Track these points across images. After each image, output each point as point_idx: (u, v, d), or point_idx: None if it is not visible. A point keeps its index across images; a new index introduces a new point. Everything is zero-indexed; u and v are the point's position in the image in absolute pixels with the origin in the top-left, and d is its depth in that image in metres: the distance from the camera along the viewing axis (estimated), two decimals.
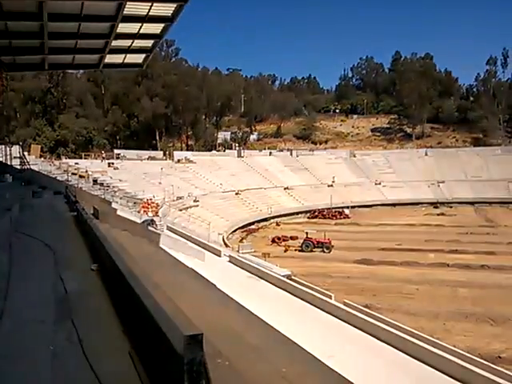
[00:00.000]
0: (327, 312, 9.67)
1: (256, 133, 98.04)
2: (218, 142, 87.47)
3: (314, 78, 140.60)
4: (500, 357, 14.18)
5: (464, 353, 8.26)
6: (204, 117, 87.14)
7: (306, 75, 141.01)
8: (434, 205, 61.59)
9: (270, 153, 74.99)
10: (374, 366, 6.89)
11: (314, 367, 3.03)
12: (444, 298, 20.59)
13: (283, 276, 13.49)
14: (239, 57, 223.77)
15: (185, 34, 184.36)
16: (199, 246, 16.59)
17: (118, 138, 79.36)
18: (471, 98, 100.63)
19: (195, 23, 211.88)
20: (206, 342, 1.71)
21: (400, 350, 7.52)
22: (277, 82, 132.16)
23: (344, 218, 52.06)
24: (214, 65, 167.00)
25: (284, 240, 37.03)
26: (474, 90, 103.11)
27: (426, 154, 77.17)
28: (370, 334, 8.21)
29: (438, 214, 53.49)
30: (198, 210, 44.09)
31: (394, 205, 62.48)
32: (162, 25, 16.78)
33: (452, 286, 22.59)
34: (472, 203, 62.28)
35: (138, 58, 21.02)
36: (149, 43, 19.04)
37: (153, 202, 36.31)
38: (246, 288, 11.00)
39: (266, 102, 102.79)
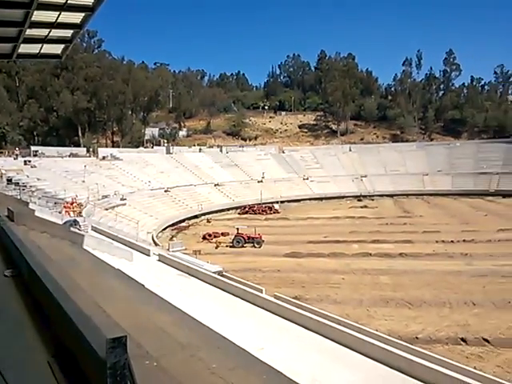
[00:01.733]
0: (258, 305, 9.83)
1: (185, 129, 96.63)
2: (146, 138, 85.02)
3: (243, 74, 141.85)
4: (417, 337, 15.27)
5: (385, 336, 8.82)
6: (130, 112, 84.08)
7: (235, 71, 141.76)
8: (358, 198, 64.96)
9: (200, 149, 74.37)
10: (303, 355, 7.12)
11: (244, 361, 3.07)
12: (367, 286, 21.77)
13: (214, 272, 13.48)
14: (167, 51, 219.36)
15: (109, 25, 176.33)
16: (127, 245, 16.07)
17: (35, 133, 74.11)
18: (389, 97, 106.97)
19: (120, 15, 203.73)
20: (132, 344, 1.66)
21: (328, 338, 7.85)
22: (206, 78, 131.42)
23: (274, 212, 53.06)
24: (139, 59, 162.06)
25: (215, 236, 36.95)
26: (392, 89, 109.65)
27: (350, 150, 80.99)
28: (300, 325, 8.48)
29: (361, 207, 56.33)
30: (126, 208, 42.56)
31: (321, 199, 64.94)
32: (83, 14, 15.83)
33: (374, 274, 23.95)
34: (391, 195, 66.65)
35: (57, 49, 19.66)
36: (68, 33, 17.89)
37: (76, 202, 34.47)
38: (177, 286, 10.86)
39: (194, 98, 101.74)
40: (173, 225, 44.49)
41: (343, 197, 65.90)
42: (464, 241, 31.92)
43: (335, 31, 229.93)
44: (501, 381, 7.08)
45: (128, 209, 42.67)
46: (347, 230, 38.36)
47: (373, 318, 17.38)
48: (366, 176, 72.16)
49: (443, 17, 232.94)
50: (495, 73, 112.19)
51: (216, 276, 12.46)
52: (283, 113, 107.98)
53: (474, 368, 11.97)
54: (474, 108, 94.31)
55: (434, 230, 36.57)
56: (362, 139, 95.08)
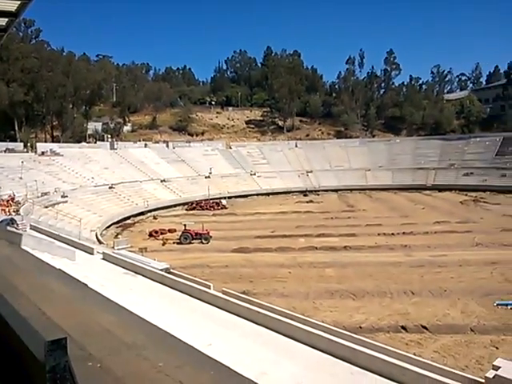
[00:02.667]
0: (206, 302, 9.81)
1: (130, 124, 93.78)
2: (88, 133, 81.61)
3: (190, 69, 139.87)
4: (361, 327, 15.92)
5: (330, 326, 9.11)
6: (71, 106, 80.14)
7: (181, 66, 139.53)
8: (304, 193, 66.40)
9: (146, 145, 72.54)
10: (252, 349, 7.21)
11: (191, 358, 3.07)
12: (313, 279, 22.35)
13: (161, 270, 13.27)
14: (110, 43, 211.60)
15: (48, 14, 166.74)
16: (69, 244, 15.43)
17: None
18: (334, 95, 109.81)
19: (59, 3, 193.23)
20: (74, 346, 1.61)
21: (275, 331, 7.99)
22: (151, 72, 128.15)
23: (221, 208, 52.99)
24: (81, 50, 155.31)
25: (162, 233, 36.32)
26: (336, 87, 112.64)
27: (296, 146, 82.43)
28: (248, 319, 8.56)
29: (307, 202, 57.57)
30: (67, 206, 40.71)
31: (268, 194, 65.68)
32: (18, 2, 14.92)
33: (320, 267, 24.62)
34: (336, 190, 68.72)
35: None
36: (2, 22, 16.80)
37: (12, 200, 32.54)
38: (122, 285, 10.60)
39: (139, 92, 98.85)
40: (118, 222, 43.17)
41: (290, 192, 67.11)
42: (404, 233, 33.56)
43: (281, 28, 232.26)
44: (438, 365, 7.53)
45: (70, 206, 40.86)
46: (294, 224, 39.11)
47: (318, 309, 17.88)
48: (311, 171, 73.83)
49: (384, 17, 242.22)
50: (432, 73, 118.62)
51: (163, 273, 12.28)
52: (230, 108, 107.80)
53: (414, 354, 12.65)
54: (413, 106, 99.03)
55: (376, 224, 38.15)
56: (307, 135, 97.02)
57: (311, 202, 57.75)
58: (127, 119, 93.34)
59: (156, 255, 23.06)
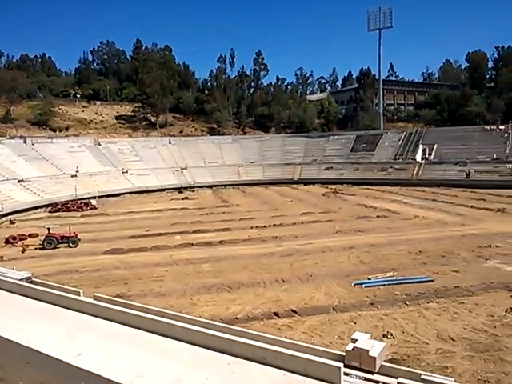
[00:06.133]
0: (76, 310, 9.19)
1: None
2: None
3: (50, 57, 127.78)
4: (237, 318, 16.48)
5: (206, 320, 9.27)
6: None
7: (40, 54, 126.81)
8: (179, 190, 65.92)
9: None
10: (126, 353, 6.99)
11: (57, 371, 2.90)
12: (190, 275, 22.40)
13: (21, 280, 11.99)
14: None
15: None
16: None
17: None
18: (206, 92, 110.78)
19: None
20: None
21: (152, 331, 7.85)
22: (3, 59, 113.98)
23: (91, 208, 49.78)
24: None
25: (21, 239, 32.70)
26: (209, 84, 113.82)
27: (170, 143, 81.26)
28: (122, 323, 8.25)
29: (182, 199, 57.26)
30: None
31: (141, 192, 63.76)
32: None
33: (196, 263, 24.78)
34: (211, 186, 69.80)
35: None
36: None
37: None
38: None
39: None
40: None
41: (164, 189, 66.06)
42: (274, 225, 35.51)
43: (151, 22, 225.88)
44: (305, 344, 8.20)
45: None
46: (169, 222, 38.63)
47: (196, 305, 18.02)
48: (186, 168, 73.60)
49: (252, 19, 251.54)
50: (296, 75, 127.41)
51: (24, 283, 11.12)
52: (98, 102, 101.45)
53: (285, 337, 13.60)
54: (280, 105, 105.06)
55: (249, 217, 39.71)
56: (181, 132, 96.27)
57: (186, 198, 57.60)
58: None
59: (15, 264, 20.71)
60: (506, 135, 68.93)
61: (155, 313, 8.77)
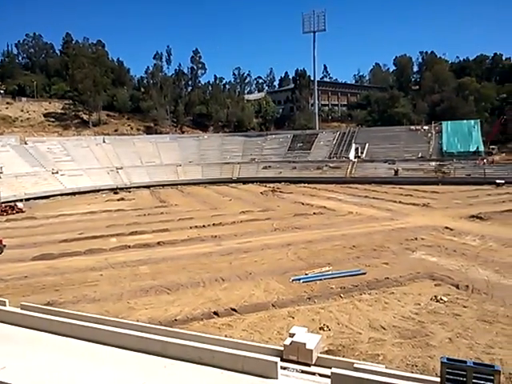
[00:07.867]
0: (0, 321, 8.65)
1: None
2: None
3: None
4: (176, 319, 16.25)
5: (142, 324, 9.09)
6: None
7: None
8: (114, 191, 63.70)
9: None
10: (57, 363, 6.69)
11: None
12: (127, 279, 21.73)
13: None
14: None
15: None
16: None
17: None
18: (142, 89, 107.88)
19: None
20: None
21: (84, 339, 7.57)
22: None
23: (17, 212, 46.71)
24: None
25: None
26: (145, 81, 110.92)
27: (104, 142, 78.31)
28: (52, 332, 7.89)
29: (118, 200, 55.38)
30: None
31: (74, 194, 60.89)
32: None
33: (133, 265, 24.09)
34: (148, 187, 68.23)
35: None
36: None
37: None
38: None
39: None
40: None
41: (99, 190, 63.60)
42: (213, 224, 35.41)
43: (82, 15, 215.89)
44: (245, 342, 8.30)
45: None
46: (104, 224, 37.22)
47: (134, 309, 17.54)
48: (121, 168, 71.28)
49: (189, 16, 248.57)
50: (234, 74, 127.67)
51: None
52: (24, 99, 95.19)
53: (225, 336, 13.65)
54: (218, 104, 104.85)
55: (187, 217, 39.28)
56: (116, 130, 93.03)
57: (122, 199, 55.78)
58: None
59: None
60: (429, 135, 73.97)
61: (87, 319, 8.47)
